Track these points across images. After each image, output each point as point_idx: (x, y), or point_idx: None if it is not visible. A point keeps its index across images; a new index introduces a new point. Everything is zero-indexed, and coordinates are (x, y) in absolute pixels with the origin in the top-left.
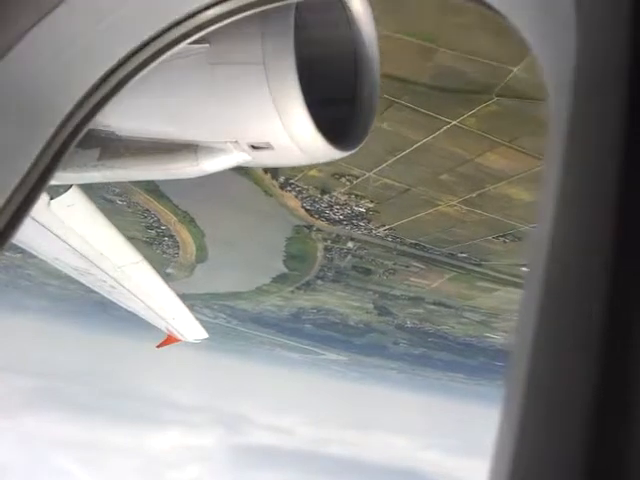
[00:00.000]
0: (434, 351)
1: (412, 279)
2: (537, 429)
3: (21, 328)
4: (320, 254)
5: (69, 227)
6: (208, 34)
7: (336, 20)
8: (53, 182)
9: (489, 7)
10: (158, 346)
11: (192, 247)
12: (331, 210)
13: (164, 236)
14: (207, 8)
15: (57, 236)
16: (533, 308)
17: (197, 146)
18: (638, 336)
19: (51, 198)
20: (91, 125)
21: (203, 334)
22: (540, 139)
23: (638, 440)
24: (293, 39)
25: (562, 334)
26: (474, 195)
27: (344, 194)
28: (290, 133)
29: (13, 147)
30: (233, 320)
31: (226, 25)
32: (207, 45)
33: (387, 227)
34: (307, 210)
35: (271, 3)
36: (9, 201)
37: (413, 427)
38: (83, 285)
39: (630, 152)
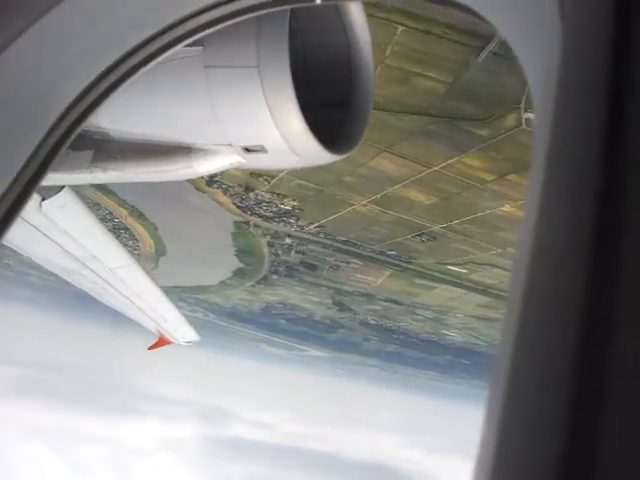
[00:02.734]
0: (403, 348)
1: (358, 275)
2: (517, 432)
3: (4, 317)
4: (266, 249)
5: (60, 228)
6: (203, 37)
7: (331, 26)
8: (45, 183)
9: (473, 13)
10: (150, 348)
11: (149, 240)
12: (260, 207)
13: (120, 229)
14: (203, 11)
15: (48, 237)
16: (515, 313)
17: (191, 148)
18: (616, 343)
19: (43, 199)
20: (85, 126)
21: (194, 336)
22: (414, 146)
23: (611, 444)
24: (288, 43)
25: (542, 340)
26: (379, 196)
27: (267, 192)
28: (284, 136)
29: (5, 147)
30: (210, 314)
31: (221, 28)
32: (202, 48)
33: (316, 224)
34: (239, 207)
35: (267, 8)
36: (0, 201)
37: (396, 425)
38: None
39: (613, 157)
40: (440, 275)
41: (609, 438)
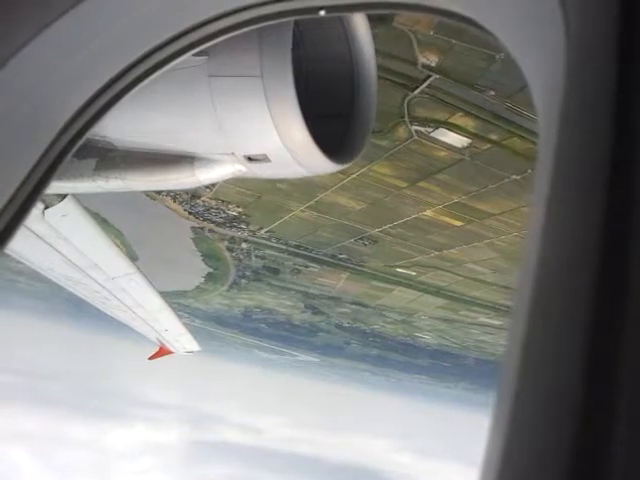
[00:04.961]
0: (386, 352)
1: (319, 279)
2: (524, 442)
3: None
4: (227, 254)
5: (63, 237)
6: (207, 46)
7: (334, 37)
8: (48, 191)
9: (479, 27)
10: (150, 358)
11: (119, 245)
12: (209, 213)
13: None
14: (207, 23)
15: (51, 246)
16: (521, 323)
17: (193, 157)
18: (623, 351)
19: (46, 207)
20: (89, 135)
21: (195, 346)
22: None
23: (619, 454)
24: (291, 53)
25: (549, 349)
26: (313, 202)
27: (211, 199)
28: (287, 145)
29: (10, 154)
30: (196, 319)
31: (225, 38)
32: (206, 57)
33: (266, 229)
34: (190, 213)
35: (271, 19)
36: (4, 210)
37: (388, 429)
38: (50, 283)
39: (620, 170)
40: (393, 277)
41: (617, 447)
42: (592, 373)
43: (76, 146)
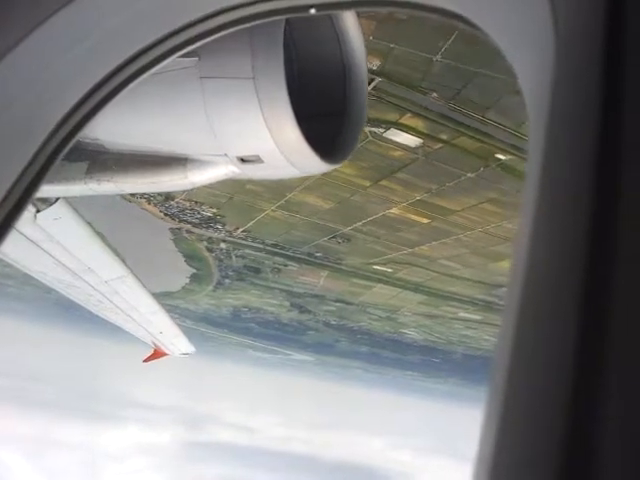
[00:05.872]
0: (376, 349)
1: (300, 277)
2: (516, 439)
3: None
4: (208, 254)
5: (56, 241)
6: (198, 48)
7: (325, 36)
8: (40, 195)
9: (470, 24)
10: (145, 360)
11: None
12: (184, 214)
13: None
14: (197, 22)
15: (43, 249)
16: (511, 325)
17: (186, 159)
18: (609, 354)
19: (37, 211)
20: (79, 138)
21: (190, 349)
22: None
23: (610, 452)
24: (282, 54)
25: (539, 348)
26: (283, 202)
27: (185, 200)
28: (279, 146)
29: (1, 156)
30: (186, 320)
31: (216, 39)
32: (197, 59)
33: (242, 229)
34: (166, 214)
35: (261, 18)
36: None
37: (383, 426)
38: (40, 286)
39: (608, 172)
40: (371, 275)
41: (606, 445)
42: (581, 372)
43: (68, 147)
